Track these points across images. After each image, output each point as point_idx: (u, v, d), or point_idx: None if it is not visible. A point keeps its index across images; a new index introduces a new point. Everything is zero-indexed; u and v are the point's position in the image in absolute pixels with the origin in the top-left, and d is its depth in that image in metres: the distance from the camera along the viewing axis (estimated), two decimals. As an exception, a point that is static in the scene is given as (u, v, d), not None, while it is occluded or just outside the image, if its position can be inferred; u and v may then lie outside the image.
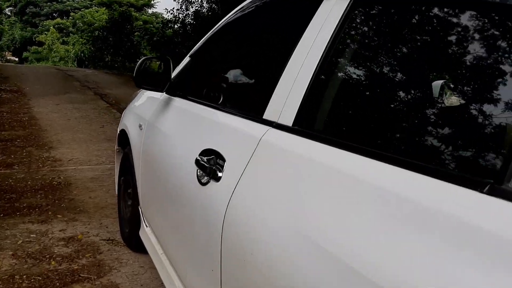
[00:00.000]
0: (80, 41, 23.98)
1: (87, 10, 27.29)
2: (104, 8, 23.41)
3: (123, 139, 2.94)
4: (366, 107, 1.15)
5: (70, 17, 30.98)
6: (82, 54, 23.15)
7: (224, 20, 1.99)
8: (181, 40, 15.28)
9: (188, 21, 14.87)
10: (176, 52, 15.27)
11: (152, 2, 28.89)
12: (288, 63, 1.37)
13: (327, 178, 1.05)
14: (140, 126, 2.49)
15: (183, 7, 14.75)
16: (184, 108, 2.05)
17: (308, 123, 1.26)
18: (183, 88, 2.20)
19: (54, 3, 34.36)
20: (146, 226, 2.44)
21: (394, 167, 0.90)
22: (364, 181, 0.95)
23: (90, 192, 3.83)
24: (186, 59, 2.25)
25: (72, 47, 25.24)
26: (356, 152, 1.01)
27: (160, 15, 28.02)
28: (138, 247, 2.73)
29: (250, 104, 1.69)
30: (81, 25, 24.86)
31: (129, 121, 2.81)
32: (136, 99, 2.99)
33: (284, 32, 1.63)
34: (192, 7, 14.67)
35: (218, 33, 2.04)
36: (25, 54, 31.64)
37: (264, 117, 1.41)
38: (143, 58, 2.19)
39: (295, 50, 1.37)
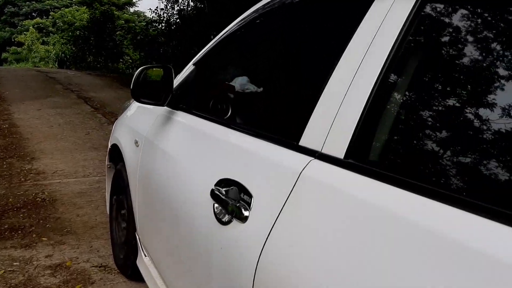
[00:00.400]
0: (61, 41, 23.37)
1: (67, 9, 26.64)
2: (85, 7, 22.80)
3: (115, 154, 2.65)
4: (450, 136, 0.88)
5: (50, 17, 30.27)
6: (63, 55, 22.55)
7: (238, 22, 1.71)
8: (166, 40, 14.90)
9: (173, 20, 14.49)
10: (161, 52, 14.91)
11: (134, 0, 28.37)
12: (333, 75, 1.11)
13: (396, 230, 0.80)
14: (136, 142, 2.20)
15: (168, 6, 14.37)
16: (190, 124, 1.78)
17: (367, 156, 0.99)
18: (187, 100, 1.92)
19: (33, 2, 33.56)
20: (145, 256, 2.16)
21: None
22: (449, 239, 0.70)
23: (77, 209, 3.52)
24: (189, 67, 1.97)
25: (52, 47, 24.60)
26: (437, 199, 0.76)
27: (142, 14, 27.60)
28: (134, 274, 2.45)
29: (278, 125, 1.41)
30: (62, 24, 24.24)
31: (122, 135, 2.52)
32: (128, 109, 2.70)
33: (322, 36, 1.36)
34: (177, 6, 14.28)
35: (230, 37, 1.75)
36: (4, 54, 30.86)
37: (301, 143, 1.14)
38: (141, 67, 1.89)
39: (341, 59, 1.10)
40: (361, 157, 0.99)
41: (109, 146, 2.76)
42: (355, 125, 0.99)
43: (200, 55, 1.92)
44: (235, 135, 1.46)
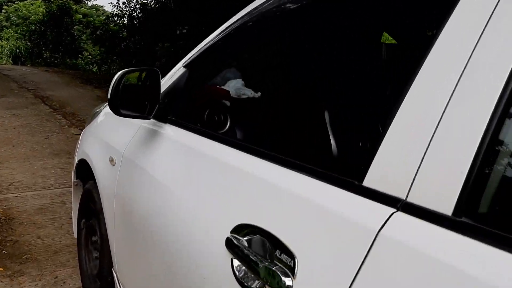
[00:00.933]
0: (15, 36, 22.26)
1: (21, 3, 25.43)
2: (40, 0, 21.79)
3: (83, 170, 2.25)
4: None
5: (3, 11, 28.89)
6: (17, 50, 21.45)
7: (249, 12, 1.33)
8: (128, 34, 14.28)
9: (136, 14, 13.87)
10: (122, 48, 14.30)
11: (92, -6, 27.38)
12: (421, 69, 0.77)
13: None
14: (111, 160, 1.82)
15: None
16: (185, 143, 1.41)
17: (495, 214, 0.67)
18: (178, 111, 1.55)
19: (-16, -5, 31.95)
20: (126, 298, 1.78)
21: None
22: None
23: (38, 229, 3.07)
24: (179, 69, 1.59)
25: (6, 42, 23.39)
26: None
27: (101, 8, 26.76)
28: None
29: (319, 151, 1.06)
30: (16, 19, 23.14)
31: (92, 150, 2.12)
32: (99, 117, 2.29)
33: (386, 27, 1.02)
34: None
35: (239, 30, 1.36)
36: (-47, 50, 29.21)
37: (367, 184, 0.81)
38: (122, 71, 1.49)
39: (427, 58, 0.76)
40: (485, 214, 0.66)
41: (76, 161, 2.35)
42: (471, 159, 0.66)
43: (193, 55, 1.54)
44: (256, 162, 1.10)
